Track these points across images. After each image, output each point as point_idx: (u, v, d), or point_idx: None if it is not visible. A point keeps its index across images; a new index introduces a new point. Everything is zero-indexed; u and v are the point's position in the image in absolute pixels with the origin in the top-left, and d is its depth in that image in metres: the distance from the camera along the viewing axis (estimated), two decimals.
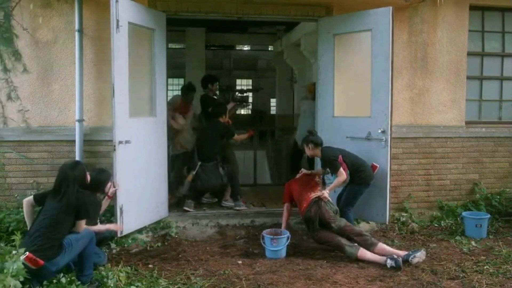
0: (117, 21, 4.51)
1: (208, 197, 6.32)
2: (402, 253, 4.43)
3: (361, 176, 4.92)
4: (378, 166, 5.07)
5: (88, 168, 5.10)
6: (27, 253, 3.33)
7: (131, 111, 4.80)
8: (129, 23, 4.71)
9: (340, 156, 4.83)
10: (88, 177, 4.05)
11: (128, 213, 4.77)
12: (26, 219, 3.95)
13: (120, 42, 4.58)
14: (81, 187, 3.83)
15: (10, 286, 2.94)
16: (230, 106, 6.61)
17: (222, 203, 6.07)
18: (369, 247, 4.49)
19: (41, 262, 3.39)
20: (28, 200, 3.91)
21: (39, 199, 3.84)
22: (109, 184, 4.46)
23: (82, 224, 3.72)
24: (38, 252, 3.40)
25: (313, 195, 4.69)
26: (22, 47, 5.11)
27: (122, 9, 4.57)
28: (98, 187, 4.39)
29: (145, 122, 5.14)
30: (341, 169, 4.74)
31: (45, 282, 3.51)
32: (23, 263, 3.28)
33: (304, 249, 4.85)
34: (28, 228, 3.83)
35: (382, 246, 4.52)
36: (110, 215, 4.87)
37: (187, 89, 6.54)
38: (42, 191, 4.77)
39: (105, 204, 4.63)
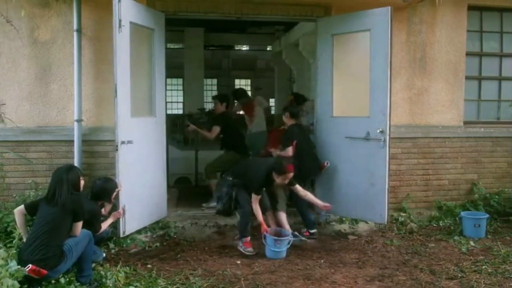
0: (120, 21, 4.51)
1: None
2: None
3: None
4: (326, 164, 5.35)
5: (88, 169, 5.17)
6: (30, 265, 3.30)
7: (132, 111, 4.80)
8: (131, 23, 4.71)
9: (295, 142, 5.15)
10: (82, 182, 3.92)
11: (130, 214, 4.77)
12: (21, 229, 3.82)
13: (122, 42, 4.57)
14: (76, 191, 3.74)
15: (8, 286, 2.94)
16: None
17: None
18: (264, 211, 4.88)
19: (45, 272, 3.37)
20: (19, 209, 3.78)
21: (30, 209, 3.73)
22: (115, 193, 4.47)
23: (79, 227, 3.67)
24: (41, 262, 3.37)
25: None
26: (20, 47, 5.12)
27: (124, 9, 4.57)
28: (105, 196, 4.40)
29: (146, 122, 5.14)
30: (289, 148, 5.11)
31: (43, 282, 3.51)
32: (25, 274, 3.27)
33: (303, 249, 4.85)
34: (24, 239, 3.77)
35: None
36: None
37: (242, 95, 7.49)
38: (32, 200, 4.75)
39: (108, 207, 4.63)
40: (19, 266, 3.24)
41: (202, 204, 6.04)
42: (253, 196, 4.73)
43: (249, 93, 18.28)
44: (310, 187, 5.54)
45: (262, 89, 17.03)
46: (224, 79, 17.29)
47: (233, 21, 6.79)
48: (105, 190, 4.40)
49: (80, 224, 3.67)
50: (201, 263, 4.40)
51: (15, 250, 3.73)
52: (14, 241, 3.95)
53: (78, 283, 3.63)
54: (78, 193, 3.79)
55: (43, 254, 3.40)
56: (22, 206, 3.79)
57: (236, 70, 16.91)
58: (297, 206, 5.27)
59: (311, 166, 5.33)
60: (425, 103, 6.00)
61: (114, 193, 4.48)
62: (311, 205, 5.22)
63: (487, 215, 5.50)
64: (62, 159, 5.19)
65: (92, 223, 4.06)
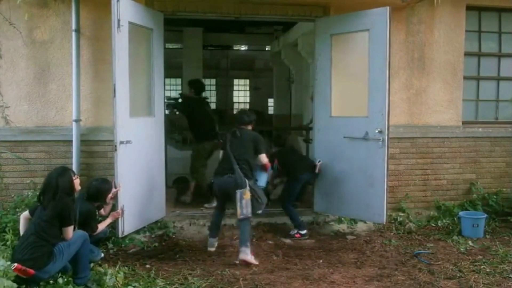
0: (118, 20, 4.49)
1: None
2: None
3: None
4: (318, 162, 5.40)
5: (87, 169, 5.17)
6: (16, 264, 3.31)
7: (131, 111, 4.78)
8: (129, 22, 4.69)
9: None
10: (76, 184, 3.85)
11: (129, 214, 4.75)
12: (20, 232, 3.83)
13: (121, 42, 4.56)
14: (68, 195, 3.69)
15: (4, 285, 2.94)
16: None
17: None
18: None
19: (31, 271, 3.36)
20: (24, 214, 3.82)
21: (33, 212, 3.74)
22: (110, 194, 4.47)
23: (69, 231, 3.61)
24: (29, 262, 3.37)
25: None
26: (18, 47, 5.11)
27: (123, 8, 4.55)
28: (100, 196, 4.40)
29: (145, 122, 5.13)
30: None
31: (41, 283, 3.51)
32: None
33: (302, 249, 4.85)
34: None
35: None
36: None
37: None
38: (30, 200, 4.83)
39: (108, 207, 4.62)
40: (8, 263, 3.24)
41: (204, 204, 5.99)
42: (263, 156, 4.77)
43: (248, 92, 18.38)
44: None
45: (261, 89, 17.04)
46: (222, 79, 17.29)
47: (231, 21, 6.79)
48: (100, 191, 4.40)
49: (69, 228, 3.62)
50: (199, 263, 4.40)
51: (10, 250, 3.74)
52: (8, 242, 3.94)
53: (76, 284, 3.62)
54: (68, 197, 3.69)
55: (31, 254, 3.41)
56: (27, 212, 3.82)
57: (235, 70, 16.91)
58: (285, 208, 5.28)
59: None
60: (423, 103, 6.00)
61: (110, 194, 4.48)
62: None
63: (486, 215, 5.51)
64: (61, 159, 5.19)
65: (88, 223, 4.06)
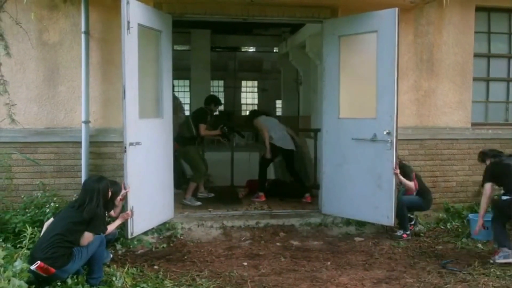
0: (128, 22, 4.52)
1: (203, 192, 6.47)
2: None
3: None
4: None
5: (95, 170, 5.20)
6: (39, 262, 3.35)
7: (140, 112, 4.81)
8: (139, 24, 4.72)
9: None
10: (110, 193, 4.05)
11: (138, 215, 4.78)
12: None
13: (130, 43, 4.59)
14: (104, 200, 3.87)
15: (15, 286, 2.96)
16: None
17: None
18: None
19: (53, 270, 3.40)
20: (49, 222, 3.86)
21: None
22: (119, 196, 4.50)
23: (89, 237, 3.69)
24: (49, 260, 3.41)
25: None
26: (28, 49, 5.16)
27: (132, 11, 4.59)
28: (109, 198, 4.43)
29: (153, 123, 5.15)
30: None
31: (53, 283, 3.53)
32: (33, 272, 3.32)
33: (310, 251, 4.84)
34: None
35: None
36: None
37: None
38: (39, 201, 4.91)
39: (118, 209, 4.63)
40: (25, 264, 3.27)
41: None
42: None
43: (256, 94, 18.39)
44: None
45: (269, 90, 17.06)
46: (230, 81, 17.33)
47: (239, 23, 6.80)
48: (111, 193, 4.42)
49: (91, 236, 3.69)
50: (207, 265, 4.41)
51: (26, 249, 3.76)
52: (24, 241, 3.97)
53: (88, 285, 3.65)
54: (103, 210, 3.88)
55: (52, 253, 3.45)
56: (51, 219, 3.88)
57: (243, 71, 16.95)
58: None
59: None
60: (432, 105, 5.97)
61: (119, 196, 4.49)
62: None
63: None
64: (70, 160, 5.24)
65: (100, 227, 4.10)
